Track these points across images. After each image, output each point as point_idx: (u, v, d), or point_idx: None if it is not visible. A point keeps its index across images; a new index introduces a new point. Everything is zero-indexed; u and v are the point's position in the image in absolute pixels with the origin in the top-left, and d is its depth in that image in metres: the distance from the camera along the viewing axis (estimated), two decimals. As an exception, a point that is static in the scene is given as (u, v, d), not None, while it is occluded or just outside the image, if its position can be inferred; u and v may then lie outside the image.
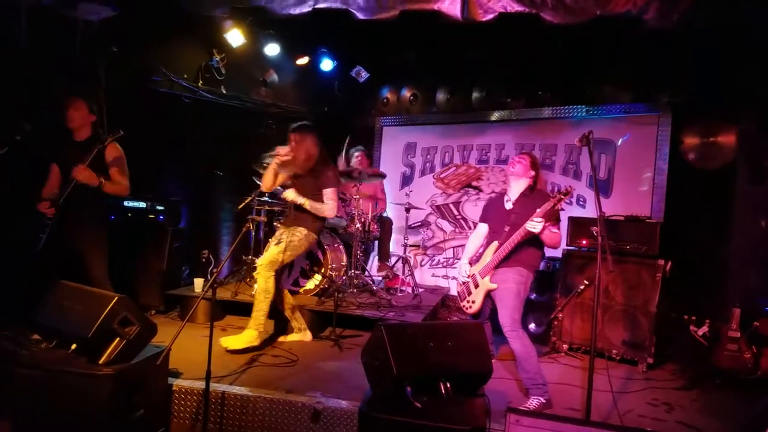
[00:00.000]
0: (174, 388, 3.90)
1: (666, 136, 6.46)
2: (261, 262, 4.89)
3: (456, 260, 7.85)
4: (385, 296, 6.23)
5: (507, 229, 4.33)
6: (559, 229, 4.26)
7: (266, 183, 5.00)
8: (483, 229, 4.71)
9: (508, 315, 4.14)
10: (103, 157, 4.69)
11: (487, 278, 4.38)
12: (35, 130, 4.83)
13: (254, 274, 5.11)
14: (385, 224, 7.28)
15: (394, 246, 7.65)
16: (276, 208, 6.60)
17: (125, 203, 6.03)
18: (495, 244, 4.39)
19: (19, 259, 4.72)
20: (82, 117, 4.68)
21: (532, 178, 4.45)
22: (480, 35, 6.33)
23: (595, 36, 5.72)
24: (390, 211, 7.79)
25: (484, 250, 4.55)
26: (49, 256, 4.58)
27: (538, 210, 4.01)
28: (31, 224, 4.65)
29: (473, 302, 4.48)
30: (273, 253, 4.88)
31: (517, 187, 4.46)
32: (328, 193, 5.02)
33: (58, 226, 4.57)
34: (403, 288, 6.94)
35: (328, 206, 5.02)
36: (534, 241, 4.23)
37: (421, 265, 8.20)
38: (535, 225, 4.00)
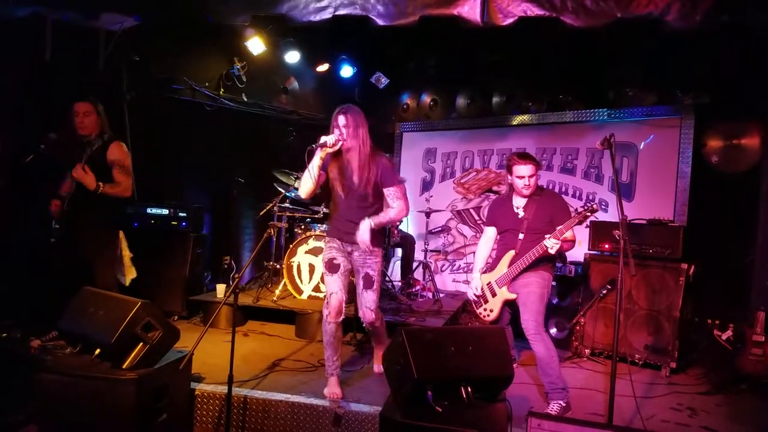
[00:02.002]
0: (197, 392, 3.94)
1: (689, 138, 6.40)
2: (370, 320, 4.18)
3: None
4: (405, 301, 6.23)
5: (521, 236, 4.29)
6: (573, 234, 4.20)
7: (307, 187, 3.97)
8: (492, 233, 4.64)
9: (532, 318, 4.09)
10: (104, 156, 4.73)
11: (504, 288, 4.33)
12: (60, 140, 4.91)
13: (369, 329, 4.36)
14: (407, 243, 7.22)
15: (415, 251, 7.65)
16: (297, 215, 6.63)
17: (148, 210, 6.11)
18: (511, 253, 4.33)
19: (32, 263, 4.83)
20: (92, 122, 4.73)
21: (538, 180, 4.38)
22: (500, 39, 6.31)
23: (616, 38, 5.67)
24: (410, 217, 7.77)
25: (496, 255, 4.52)
26: (57, 261, 4.67)
27: (559, 227, 3.93)
28: (44, 231, 4.75)
29: (491, 311, 4.44)
30: (375, 298, 4.16)
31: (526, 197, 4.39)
32: (393, 192, 4.01)
33: (66, 232, 4.64)
34: (424, 293, 6.93)
35: (395, 209, 4.00)
36: None
37: (442, 271, 8.18)
38: (553, 246, 3.90)
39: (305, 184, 3.97)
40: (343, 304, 4.10)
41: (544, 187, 4.57)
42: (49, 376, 3.35)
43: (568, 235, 4.00)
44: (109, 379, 3.27)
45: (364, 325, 4.31)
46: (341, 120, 3.93)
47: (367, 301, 4.14)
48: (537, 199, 4.31)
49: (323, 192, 4.21)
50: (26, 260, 5.03)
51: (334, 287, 4.08)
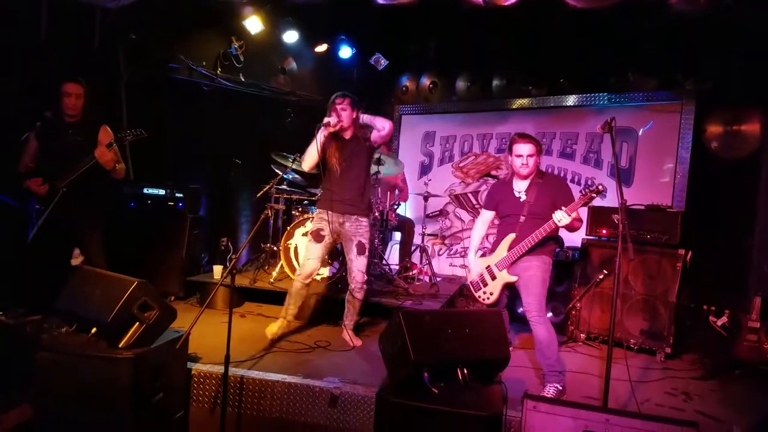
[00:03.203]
0: (193, 372, 3.93)
1: (689, 124, 6.38)
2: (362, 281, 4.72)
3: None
4: (402, 284, 6.22)
5: (522, 219, 4.26)
6: (578, 215, 4.18)
7: (311, 160, 4.53)
8: (488, 216, 4.64)
9: (535, 302, 4.08)
10: (95, 137, 4.75)
11: (504, 271, 4.32)
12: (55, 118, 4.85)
13: (357, 294, 4.80)
14: (406, 226, 7.19)
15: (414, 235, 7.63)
16: (294, 197, 6.61)
17: (145, 190, 6.08)
18: (511, 236, 4.30)
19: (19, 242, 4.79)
20: (81, 104, 4.71)
21: (539, 164, 4.36)
22: (501, 22, 6.27)
23: (618, 22, 5.62)
24: (409, 201, 7.75)
25: (496, 239, 4.49)
26: (47, 238, 4.63)
27: (564, 208, 3.91)
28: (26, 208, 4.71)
29: (491, 294, 4.42)
30: (366, 262, 4.74)
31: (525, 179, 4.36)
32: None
33: (59, 208, 4.60)
34: (421, 277, 6.92)
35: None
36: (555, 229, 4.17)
37: (439, 255, 8.18)
38: (561, 218, 3.90)
39: (310, 157, 4.52)
40: (315, 272, 4.71)
41: (545, 171, 4.54)
42: (44, 355, 3.33)
43: (573, 215, 4.00)
44: (105, 357, 3.26)
45: (352, 288, 4.76)
46: (340, 104, 4.46)
47: (360, 265, 4.69)
48: (539, 182, 4.29)
49: (320, 172, 4.62)
50: (14, 242, 4.98)
51: (313, 255, 4.65)
